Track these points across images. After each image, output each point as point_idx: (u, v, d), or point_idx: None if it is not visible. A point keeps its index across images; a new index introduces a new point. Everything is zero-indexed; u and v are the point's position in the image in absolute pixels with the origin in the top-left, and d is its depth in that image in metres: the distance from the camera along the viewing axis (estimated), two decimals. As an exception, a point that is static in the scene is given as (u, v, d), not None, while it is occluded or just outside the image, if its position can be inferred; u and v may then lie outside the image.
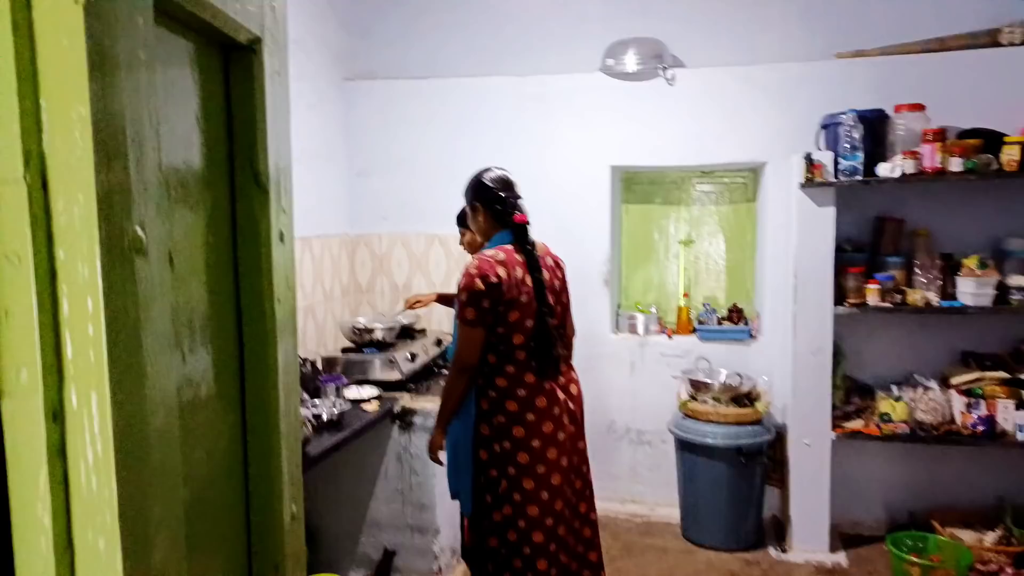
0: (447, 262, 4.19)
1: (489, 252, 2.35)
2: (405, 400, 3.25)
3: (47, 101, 0.45)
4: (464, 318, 2.28)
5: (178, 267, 0.58)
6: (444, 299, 3.53)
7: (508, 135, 4.02)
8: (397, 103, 4.17)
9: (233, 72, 0.71)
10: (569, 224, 3.89)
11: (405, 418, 3.20)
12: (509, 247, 2.38)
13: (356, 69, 4.24)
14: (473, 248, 3.22)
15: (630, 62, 3.80)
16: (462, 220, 3.20)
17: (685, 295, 4.18)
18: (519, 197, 2.47)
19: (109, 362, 0.45)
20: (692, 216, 4.19)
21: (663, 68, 3.79)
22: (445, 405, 2.44)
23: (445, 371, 3.68)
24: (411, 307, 3.54)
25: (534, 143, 3.97)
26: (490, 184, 2.45)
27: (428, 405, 3.21)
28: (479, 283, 2.25)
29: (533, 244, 2.43)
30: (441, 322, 4.14)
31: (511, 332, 2.32)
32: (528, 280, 2.33)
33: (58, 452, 0.46)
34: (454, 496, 2.53)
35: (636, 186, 4.25)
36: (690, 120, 3.83)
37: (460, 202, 3.34)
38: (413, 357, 3.54)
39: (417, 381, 3.50)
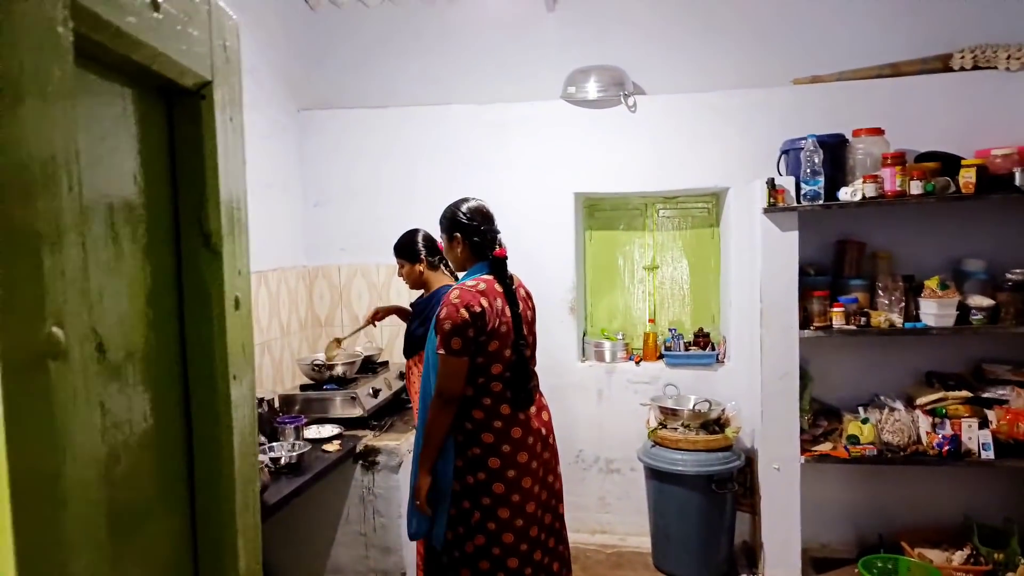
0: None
1: (469, 282, 2.33)
2: (368, 439, 3.13)
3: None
4: (449, 348, 2.23)
5: (111, 356, 0.49)
6: (401, 313, 3.43)
7: (468, 164, 3.96)
8: (353, 132, 4.07)
9: (178, 120, 0.62)
10: (533, 252, 3.83)
11: (368, 457, 3.08)
12: (488, 278, 2.36)
13: (311, 98, 4.14)
14: (412, 280, 3.13)
15: (592, 89, 3.78)
16: (402, 251, 3.13)
17: (651, 321, 4.14)
18: (498, 231, 2.45)
19: (15, 537, 0.34)
20: (656, 242, 4.17)
21: (624, 95, 3.77)
22: (430, 442, 2.31)
23: (410, 405, 3.57)
24: (373, 321, 3.42)
25: (495, 171, 3.91)
26: (470, 216, 2.42)
27: (392, 443, 3.09)
28: (464, 313, 2.22)
29: (511, 278, 2.43)
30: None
31: (490, 363, 2.30)
32: (507, 311, 2.34)
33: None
34: (416, 536, 2.47)
35: (599, 212, 4.21)
36: (652, 146, 3.82)
37: (375, 236, 3.27)
38: (376, 392, 3.42)
39: (379, 417, 3.38)
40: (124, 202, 0.54)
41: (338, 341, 3.49)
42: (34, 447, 0.37)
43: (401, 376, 3.73)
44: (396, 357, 4.03)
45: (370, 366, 3.71)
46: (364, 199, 4.10)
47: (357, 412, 3.24)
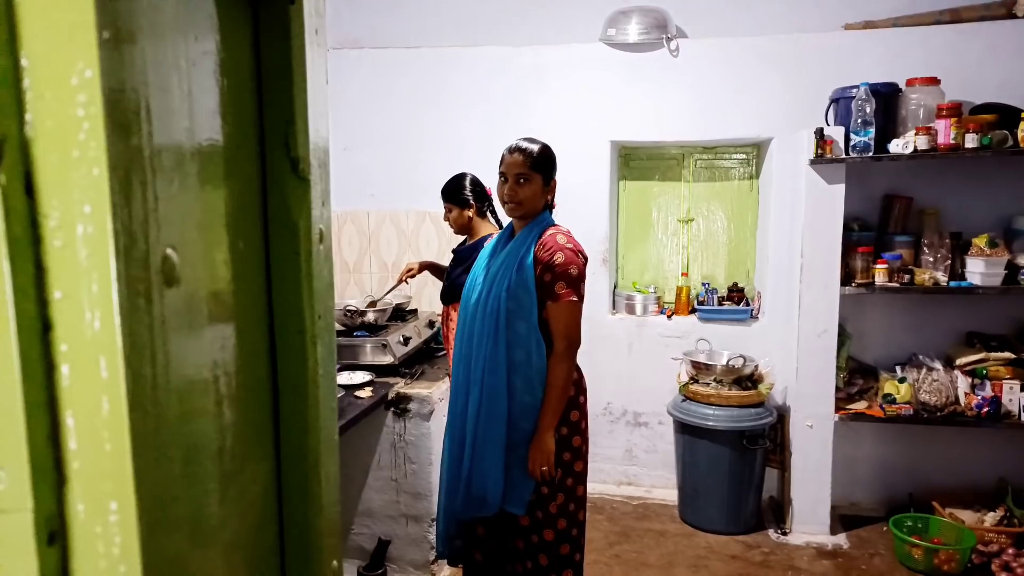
0: (439, 240, 4.03)
1: (563, 228, 2.27)
2: (399, 386, 3.11)
3: (31, 59, 0.29)
4: (580, 293, 2.18)
5: (209, 287, 0.43)
6: (434, 268, 3.37)
7: (502, 108, 3.85)
8: (385, 74, 3.96)
9: (264, 31, 0.55)
10: (567, 202, 3.73)
11: (400, 405, 3.06)
12: (560, 226, 2.28)
13: (341, 37, 4.01)
14: (460, 225, 3.06)
15: (632, 32, 3.63)
16: (451, 195, 3.04)
17: (684, 274, 4.07)
18: None
19: (133, 452, 0.30)
20: (692, 193, 4.06)
21: (667, 38, 3.62)
22: (562, 398, 2.17)
23: (441, 353, 3.55)
24: (405, 279, 3.38)
25: (530, 116, 3.80)
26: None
27: (424, 391, 3.08)
28: (581, 258, 2.20)
29: None
30: (432, 302, 3.99)
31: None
32: None
33: (58, 586, 0.31)
34: (493, 507, 2.21)
35: (634, 162, 4.10)
36: (694, 93, 3.68)
37: (449, 176, 3.19)
38: (406, 340, 3.39)
39: (410, 365, 3.36)
40: (215, 121, 0.48)
41: (373, 304, 3.46)
42: (147, 383, 0.32)
43: (430, 324, 3.70)
44: (425, 305, 4.00)
45: (400, 314, 3.68)
46: (395, 143, 4.01)
47: (388, 359, 3.22)
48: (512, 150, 2.23)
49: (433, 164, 3.87)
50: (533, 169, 2.21)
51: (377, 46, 3.99)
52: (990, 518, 3.35)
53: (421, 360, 3.48)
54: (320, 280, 0.62)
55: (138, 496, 0.30)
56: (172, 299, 0.34)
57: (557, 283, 2.14)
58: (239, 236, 0.52)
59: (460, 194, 3.01)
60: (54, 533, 0.30)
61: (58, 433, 0.30)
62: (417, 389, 3.09)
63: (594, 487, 3.64)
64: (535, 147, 2.22)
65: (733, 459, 3.47)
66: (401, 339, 3.36)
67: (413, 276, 3.37)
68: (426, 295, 3.98)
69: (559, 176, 2.35)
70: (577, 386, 2.28)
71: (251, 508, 0.53)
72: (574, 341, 2.19)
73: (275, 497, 0.60)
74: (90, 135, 0.29)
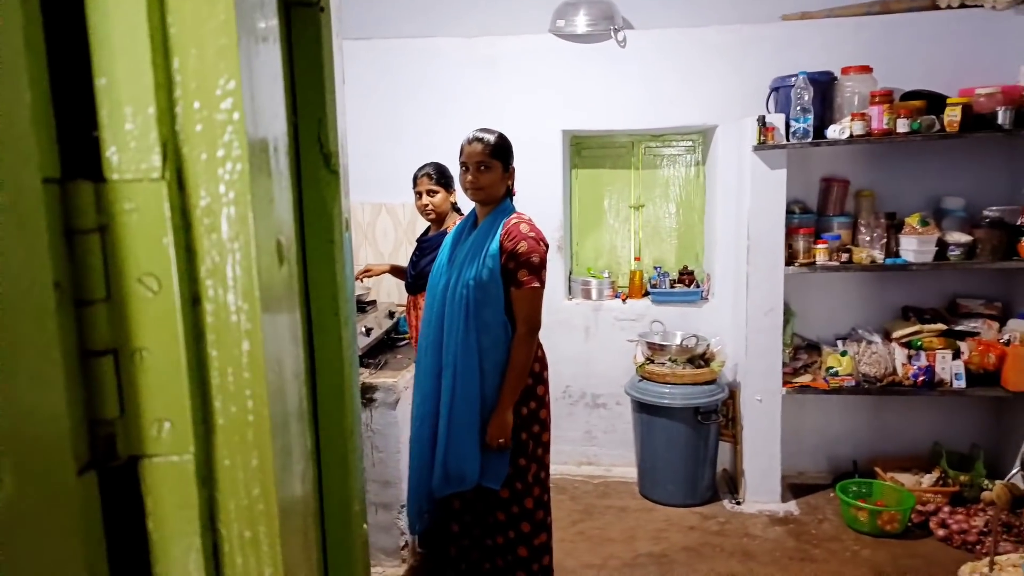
0: (395, 232, 4.05)
1: (525, 217, 2.38)
2: (364, 376, 3.14)
3: (183, 74, 0.34)
4: (541, 279, 2.31)
5: (295, 275, 0.48)
6: (397, 271, 3.41)
7: (455, 99, 3.89)
8: (344, 64, 3.95)
9: (297, 34, 0.60)
10: (522, 190, 3.79)
11: (365, 395, 3.09)
12: (523, 215, 2.40)
13: (290, 28, 3.98)
14: (444, 209, 3.10)
15: (580, 23, 3.71)
16: (444, 178, 3.07)
17: (637, 259, 4.19)
18: None
19: (270, 409, 0.36)
20: (642, 180, 4.18)
21: (614, 29, 3.72)
22: (522, 378, 2.32)
23: (404, 342, 3.59)
24: (361, 278, 3.41)
25: (483, 107, 3.84)
26: None
27: (389, 380, 3.11)
28: (543, 247, 2.32)
29: None
30: (391, 294, 4.02)
31: None
32: None
33: (208, 522, 0.36)
34: (471, 483, 2.34)
35: (586, 151, 4.19)
36: (641, 83, 3.79)
37: (406, 169, 3.23)
38: (368, 331, 3.41)
39: (373, 355, 3.39)
40: (278, 120, 0.53)
41: (368, 271, 3.47)
42: (277, 353, 0.37)
43: (390, 315, 3.73)
44: (384, 296, 4.02)
45: (359, 306, 3.69)
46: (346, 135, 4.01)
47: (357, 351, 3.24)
48: (471, 140, 2.35)
49: (387, 157, 3.89)
50: (492, 157, 2.34)
51: (327, 38, 3.97)
52: (927, 480, 3.58)
53: (383, 350, 3.51)
54: (347, 265, 0.67)
55: (273, 447, 0.35)
56: (282, 277, 0.39)
57: (520, 270, 2.27)
58: (286, 226, 0.57)
59: (450, 177, 3.06)
60: (204, 476, 0.35)
61: (207, 395, 0.36)
62: (382, 378, 3.13)
63: (556, 468, 3.73)
64: (492, 136, 2.36)
65: (688, 435, 3.61)
66: (363, 330, 3.38)
67: (370, 276, 3.41)
68: (384, 287, 4.00)
69: (516, 165, 2.46)
70: (540, 362, 2.45)
71: (309, 470, 0.58)
72: (535, 325, 2.34)
73: (316, 465, 0.66)
74: (233, 136, 0.34)
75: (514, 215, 2.37)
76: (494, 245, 2.29)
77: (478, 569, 2.52)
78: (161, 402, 0.35)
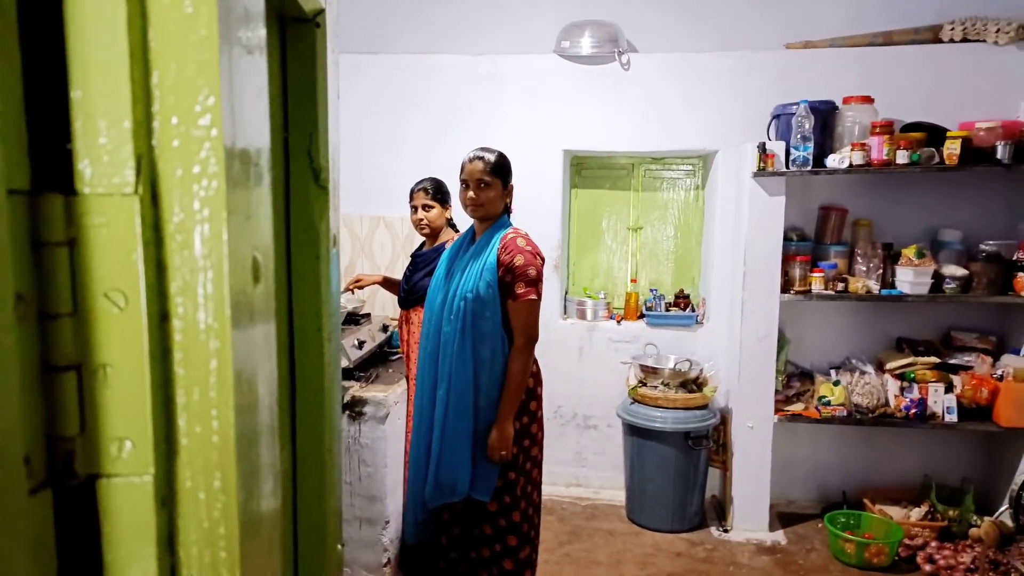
0: (392, 245, 4.05)
1: (522, 232, 2.41)
2: (354, 389, 3.12)
3: (161, 88, 0.34)
4: (539, 293, 2.34)
5: (272, 291, 0.48)
6: (389, 283, 3.40)
7: (458, 116, 3.90)
8: (339, 79, 3.97)
9: (291, 50, 0.60)
10: (521, 209, 3.80)
11: (355, 408, 3.07)
12: (519, 230, 2.43)
13: (296, 38, 4.00)
14: (438, 225, 3.10)
15: (585, 45, 3.74)
16: (439, 192, 3.07)
17: (633, 281, 4.19)
18: None
19: (236, 429, 0.35)
20: (640, 202, 4.19)
21: (618, 52, 3.74)
22: (520, 389, 2.35)
23: (396, 357, 3.57)
24: (351, 288, 3.40)
25: (486, 124, 3.86)
26: None
27: (379, 394, 3.09)
28: (540, 260, 2.35)
29: None
30: (385, 307, 4.01)
31: None
32: None
33: (167, 545, 0.35)
34: (462, 494, 2.37)
35: (586, 171, 4.21)
36: (644, 105, 3.81)
37: (406, 183, 3.23)
38: (360, 344, 3.40)
39: (364, 369, 3.37)
40: (264, 135, 0.53)
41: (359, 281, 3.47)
42: (247, 370, 0.36)
43: (384, 328, 3.71)
44: (378, 310, 4.01)
45: (353, 319, 3.68)
46: (348, 149, 4.00)
47: (343, 363, 3.23)
48: (472, 159, 2.41)
49: (387, 170, 3.90)
50: (492, 174, 2.39)
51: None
52: (916, 513, 3.56)
53: (375, 364, 3.49)
54: (333, 281, 0.67)
55: (237, 467, 0.35)
56: (257, 295, 0.39)
57: (517, 283, 2.31)
58: (278, 241, 0.56)
59: (446, 193, 3.07)
60: (165, 497, 0.35)
61: (171, 414, 0.35)
62: (372, 392, 3.11)
63: (545, 488, 3.69)
64: (492, 155, 2.41)
65: (679, 460, 3.59)
66: (355, 343, 3.36)
67: (361, 287, 3.40)
68: (379, 300, 3.99)
69: (514, 183, 2.49)
70: (535, 377, 2.48)
71: (279, 490, 0.57)
72: (532, 337, 2.37)
73: (291, 482, 0.65)
74: (210, 153, 0.34)
75: (511, 230, 2.42)
76: (491, 259, 2.33)
77: None
78: (123, 420, 0.34)
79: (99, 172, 0.33)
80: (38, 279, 0.33)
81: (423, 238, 3.21)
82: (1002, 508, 3.12)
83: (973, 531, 3.31)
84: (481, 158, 2.38)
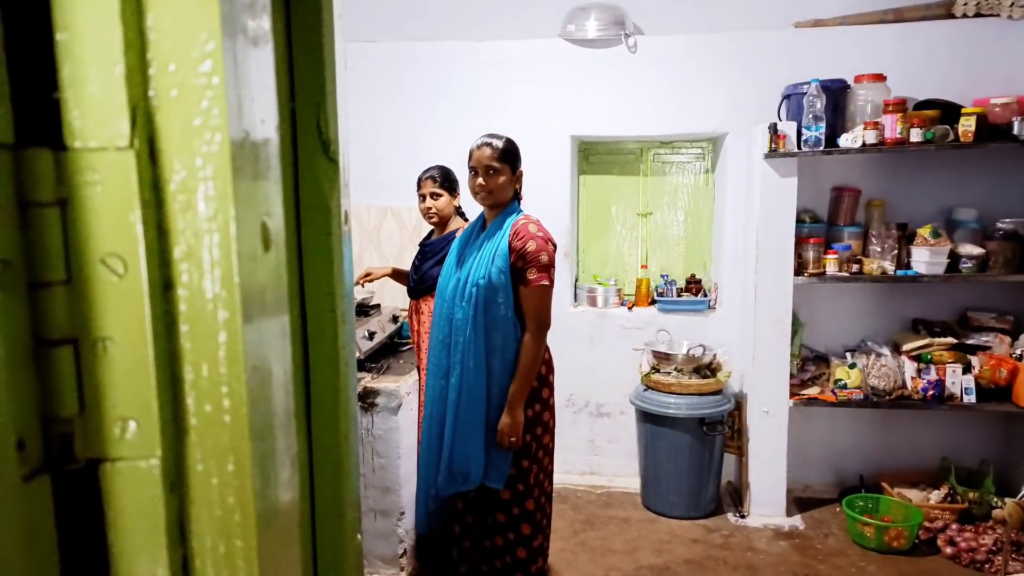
0: (400, 235, 4.02)
1: (533, 218, 2.38)
2: (366, 380, 3.10)
3: (157, 32, 0.30)
4: (551, 279, 2.32)
5: (284, 262, 0.45)
6: (398, 275, 3.37)
7: (463, 103, 3.86)
8: (345, 50, 3.93)
9: (296, 16, 0.56)
10: (529, 196, 3.76)
11: (367, 399, 3.05)
12: (530, 216, 2.41)
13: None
14: (447, 213, 3.06)
15: (591, 28, 3.68)
16: (447, 181, 3.03)
17: (643, 267, 4.14)
18: None
19: (249, 409, 0.32)
20: (650, 187, 4.14)
21: (624, 35, 3.69)
22: (531, 376, 2.33)
23: (407, 347, 3.55)
24: (361, 282, 3.37)
25: (491, 111, 3.82)
26: None
27: (391, 385, 3.07)
28: (551, 246, 2.33)
29: None
30: (395, 298, 3.98)
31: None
32: None
33: (178, 534, 0.33)
34: (475, 482, 2.36)
35: (594, 157, 4.16)
36: (651, 89, 3.75)
37: (412, 172, 3.19)
38: (371, 335, 3.38)
39: (376, 360, 3.35)
40: (272, 99, 0.49)
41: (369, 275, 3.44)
42: (259, 346, 0.33)
43: (394, 319, 3.69)
44: (388, 300, 3.99)
45: (363, 310, 3.66)
46: (354, 139, 3.98)
47: (355, 353, 3.21)
48: (480, 145, 2.38)
49: (393, 159, 3.86)
50: (501, 161, 2.36)
51: (336, 40, 3.95)
52: (935, 496, 3.52)
53: (386, 355, 3.47)
54: (346, 260, 0.64)
55: (252, 451, 0.32)
56: (267, 263, 0.36)
57: (528, 269, 2.28)
58: (287, 217, 0.53)
59: (454, 181, 3.04)
60: (174, 482, 0.32)
61: (178, 391, 0.32)
62: (384, 383, 3.09)
63: (558, 477, 3.68)
64: (500, 141, 2.38)
65: (693, 446, 3.56)
66: (366, 334, 3.34)
67: (371, 280, 3.37)
68: (388, 290, 3.96)
69: (522, 169, 2.46)
70: (547, 365, 2.46)
71: (296, 478, 0.54)
72: (544, 323, 2.35)
73: (307, 470, 0.62)
74: (212, 103, 0.31)
75: (522, 216, 2.39)
76: (503, 245, 2.31)
77: (477, 571, 2.53)
78: (126, 399, 0.31)
79: (91, 124, 0.30)
80: (26, 244, 0.30)
81: (431, 227, 3.18)
82: None
83: (996, 512, 3.27)
84: (489, 144, 2.35)
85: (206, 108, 0.31)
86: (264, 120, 0.37)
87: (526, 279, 2.30)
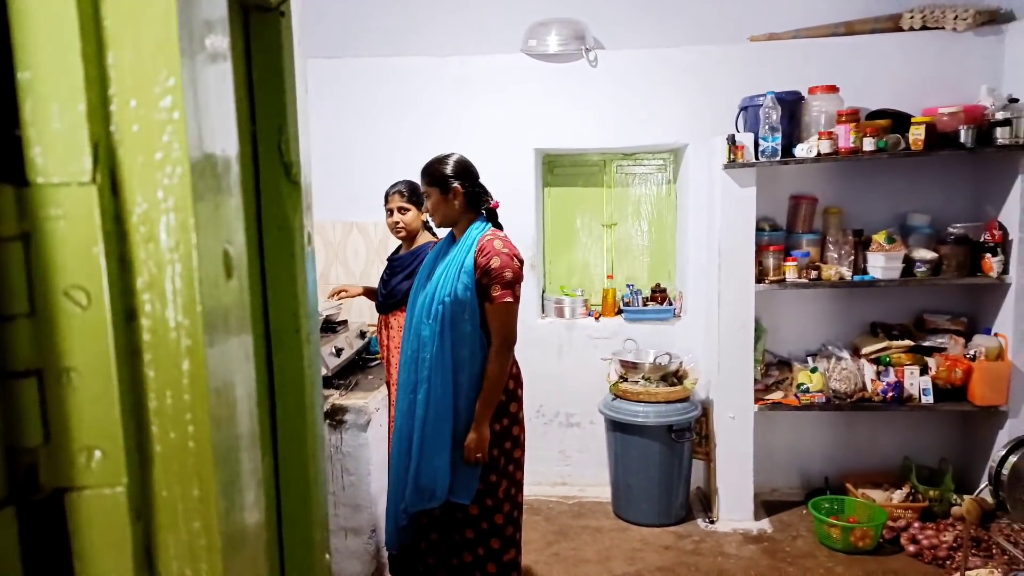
0: (367, 251, 4.00)
1: (500, 234, 2.40)
2: (334, 397, 3.08)
3: (117, 69, 0.31)
4: (515, 295, 2.34)
5: (247, 288, 0.45)
6: (369, 292, 3.37)
7: (428, 118, 3.87)
8: (308, 85, 3.92)
9: (256, 40, 0.57)
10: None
11: (335, 416, 3.03)
12: (497, 231, 2.42)
13: (259, 45, 3.94)
14: (411, 232, 3.06)
15: (552, 43, 3.73)
16: (417, 198, 3.01)
17: (609, 277, 4.19)
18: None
19: (213, 436, 0.33)
20: (614, 199, 4.19)
21: (585, 49, 3.74)
22: (497, 391, 2.35)
23: (375, 363, 3.53)
24: (339, 297, 3.35)
25: (456, 126, 3.84)
26: (467, 166, 2.42)
27: (360, 401, 3.05)
28: (517, 262, 2.34)
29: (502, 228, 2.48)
30: (362, 313, 3.96)
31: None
32: None
33: (144, 561, 0.33)
34: (442, 498, 2.36)
35: (558, 169, 4.20)
36: (613, 102, 3.81)
37: (378, 187, 3.20)
38: (338, 352, 3.35)
39: (343, 376, 3.33)
40: (231, 126, 0.50)
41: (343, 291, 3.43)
42: (222, 372, 0.34)
43: (361, 335, 3.67)
44: (355, 316, 3.97)
45: (330, 326, 3.64)
46: (319, 155, 3.96)
47: (321, 371, 3.18)
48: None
49: (360, 175, 3.86)
50: (426, 185, 2.43)
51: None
52: (897, 495, 3.60)
53: (354, 371, 3.45)
54: (310, 281, 0.64)
55: (217, 475, 0.32)
56: (230, 289, 0.36)
57: (493, 286, 2.30)
58: (250, 239, 0.54)
59: (421, 195, 3.03)
60: (139, 509, 0.32)
61: (143, 420, 0.32)
62: (353, 400, 3.07)
63: (530, 489, 3.69)
64: (422, 172, 2.44)
65: (662, 453, 3.60)
66: (333, 350, 3.32)
67: (345, 298, 3.36)
68: (356, 306, 3.94)
69: (489, 183, 2.48)
70: (515, 379, 2.47)
71: (262, 499, 0.55)
72: (510, 339, 2.37)
73: (274, 491, 0.62)
74: (173, 137, 0.31)
75: (489, 231, 2.40)
76: (468, 261, 2.33)
77: None
78: (91, 428, 0.32)
79: (53, 160, 0.31)
80: (-9, 278, 0.30)
81: (399, 241, 3.18)
82: (982, 485, 3.15)
83: (955, 510, 3.35)
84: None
85: (167, 142, 0.32)
86: (225, 148, 0.38)
87: (491, 296, 2.31)
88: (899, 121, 3.39)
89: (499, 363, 2.33)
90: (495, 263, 2.29)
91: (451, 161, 2.41)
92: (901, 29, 3.65)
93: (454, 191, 2.39)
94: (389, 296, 3.04)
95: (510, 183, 3.85)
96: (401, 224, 3.03)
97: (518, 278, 2.35)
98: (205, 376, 0.32)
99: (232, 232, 0.38)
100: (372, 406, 3.04)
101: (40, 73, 0.30)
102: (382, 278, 3.17)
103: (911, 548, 3.28)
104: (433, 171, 2.41)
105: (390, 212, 3.07)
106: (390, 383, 3.07)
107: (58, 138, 0.31)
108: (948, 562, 3.15)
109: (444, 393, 2.33)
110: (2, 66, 0.30)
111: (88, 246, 0.31)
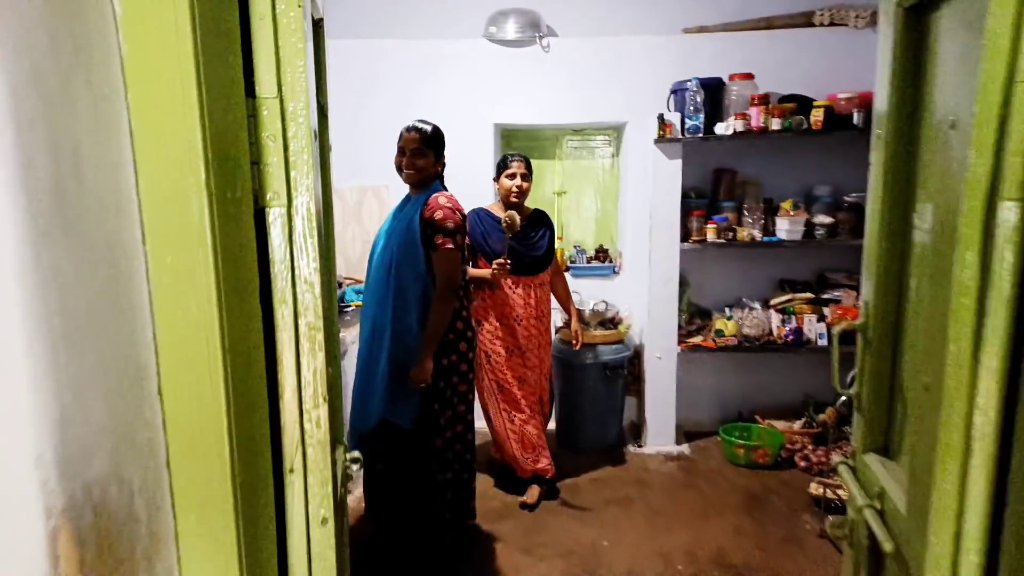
0: (380, 211, 4.50)
1: (446, 192, 2.77)
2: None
3: (271, 76, 0.85)
4: (456, 244, 2.65)
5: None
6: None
7: (398, 96, 4.36)
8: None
9: (315, 39, 1.11)
10: (457, 179, 4.30)
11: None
12: (443, 191, 2.80)
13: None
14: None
15: (510, 30, 4.26)
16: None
17: (559, 239, 4.75)
18: None
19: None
20: (564, 170, 4.75)
21: (539, 36, 4.28)
22: (439, 330, 2.67)
23: (347, 310, 4.06)
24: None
25: (424, 103, 4.33)
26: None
27: (341, 334, 3.59)
28: (459, 215, 2.69)
29: None
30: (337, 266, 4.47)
31: (463, 257, 2.79)
32: None
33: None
34: (376, 417, 2.66)
35: (515, 142, 4.74)
36: (564, 83, 4.35)
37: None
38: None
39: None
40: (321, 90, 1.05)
41: None
42: (237, 303, 0.90)
43: (338, 285, 4.20)
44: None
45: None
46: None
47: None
48: (409, 129, 2.80)
49: (333, 150, 4.35)
50: (427, 145, 2.78)
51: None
52: (797, 425, 4.25)
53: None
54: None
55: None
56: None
57: (436, 235, 2.65)
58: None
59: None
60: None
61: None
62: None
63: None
64: (428, 127, 2.80)
65: (600, 389, 4.19)
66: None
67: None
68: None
69: (450, 156, 2.95)
70: (465, 322, 2.86)
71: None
72: (452, 283, 2.68)
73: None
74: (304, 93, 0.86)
75: (436, 192, 2.75)
76: (416, 215, 2.70)
77: (394, 502, 2.85)
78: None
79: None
80: None
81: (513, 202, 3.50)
82: (841, 399, 3.80)
83: (820, 416, 4.00)
84: (417, 129, 2.75)
85: (302, 102, 0.86)
86: (323, 102, 0.93)
87: (434, 244, 2.63)
88: (804, 105, 3.98)
89: (442, 305, 2.64)
90: (438, 215, 2.62)
91: (442, 132, 2.83)
92: (813, 25, 4.23)
93: (443, 161, 2.84)
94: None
95: (471, 155, 4.39)
96: (526, 187, 3.44)
97: (459, 229, 2.65)
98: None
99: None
100: (348, 339, 3.58)
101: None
102: (510, 248, 3.35)
103: (802, 464, 3.93)
104: (439, 137, 2.78)
105: (512, 176, 3.43)
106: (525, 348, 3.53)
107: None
108: (831, 473, 3.80)
109: (384, 325, 2.66)
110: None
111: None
